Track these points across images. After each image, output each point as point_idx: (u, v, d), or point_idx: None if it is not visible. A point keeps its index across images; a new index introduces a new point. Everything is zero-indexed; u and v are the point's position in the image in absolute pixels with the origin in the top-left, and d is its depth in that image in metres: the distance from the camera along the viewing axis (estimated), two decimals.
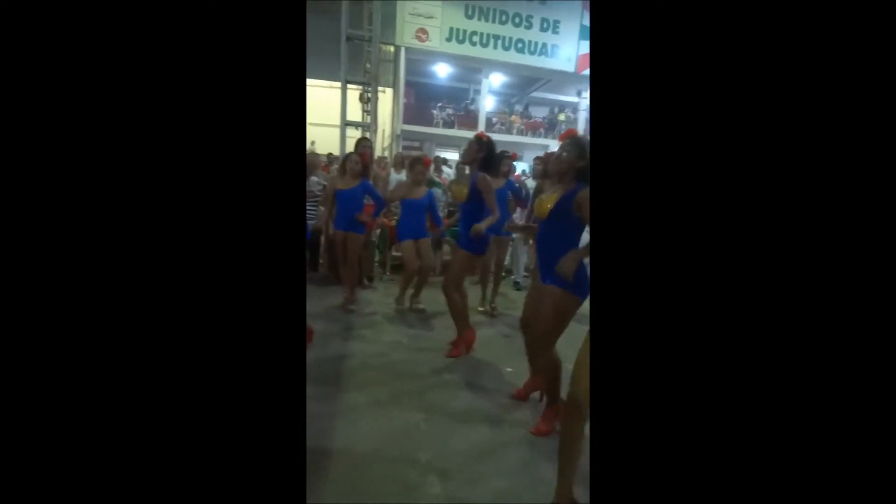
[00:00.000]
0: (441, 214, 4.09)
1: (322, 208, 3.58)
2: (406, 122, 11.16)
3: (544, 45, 10.86)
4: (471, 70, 12.02)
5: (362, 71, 6.35)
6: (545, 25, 10.77)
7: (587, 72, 10.60)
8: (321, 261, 4.49)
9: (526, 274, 4.44)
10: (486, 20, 10.42)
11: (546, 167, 4.00)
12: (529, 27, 10.69)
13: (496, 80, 12.73)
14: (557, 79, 11.98)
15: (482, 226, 2.44)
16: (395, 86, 10.57)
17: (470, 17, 10.33)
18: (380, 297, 3.92)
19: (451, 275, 2.67)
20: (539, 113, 14.41)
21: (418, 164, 3.45)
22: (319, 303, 3.52)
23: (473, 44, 10.47)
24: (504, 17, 10.51)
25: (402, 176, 4.63)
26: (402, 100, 10.75)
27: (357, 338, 2.92)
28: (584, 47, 10.90)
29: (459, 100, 13.24)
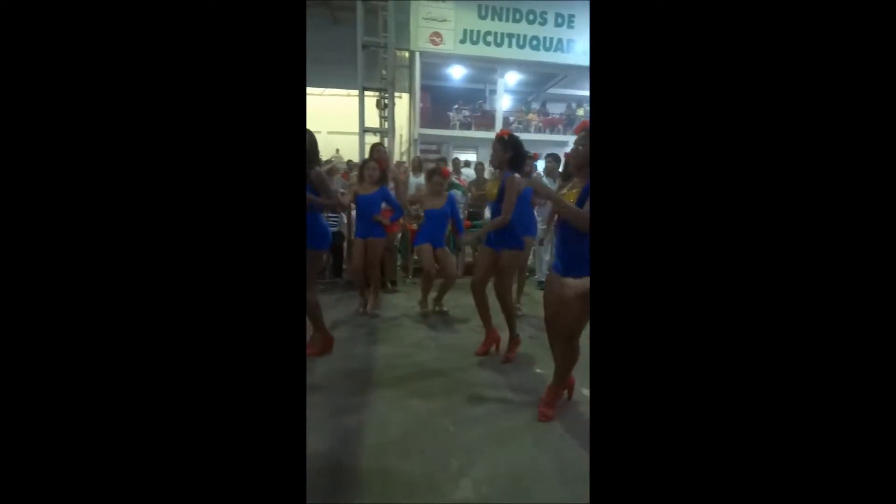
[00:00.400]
0: (462, 217, 4.10)
1: (343, 215, 3.63)
2: (423, 126, 11.19)
3: (559, 40, 10.71)
4: (486, 70, 11.98)
5: (379, 78, 6.42)
6: (559, 21, 10.61)
7: None
8: (344, 266, 4.55)
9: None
10: (500, 19, 10.35)
11: (555, 164, 3.98)
12: (544, 23, 10.56)
13: (511, 78, 12.64)
14: (574, 74, 11.80)
15: (482, 231, 2.43)
16: (410, 91, 10.64)
17: (483, 18, 10.28)
18: (403, 300, 3.95)
19: (479, 275, 2.65)
20: (556, 109, 14.23)
21: (436, 174, 3.46)
22: (345, 309, 3.56)
23: (488, 44, 10.41)
24: (518, 15, 10.41)
25: (421, 179, 4.66)
26: (417, 104, 10.80)
27: (381, 341, 2.95)
28: None
29: (475, 101, 13.21)
